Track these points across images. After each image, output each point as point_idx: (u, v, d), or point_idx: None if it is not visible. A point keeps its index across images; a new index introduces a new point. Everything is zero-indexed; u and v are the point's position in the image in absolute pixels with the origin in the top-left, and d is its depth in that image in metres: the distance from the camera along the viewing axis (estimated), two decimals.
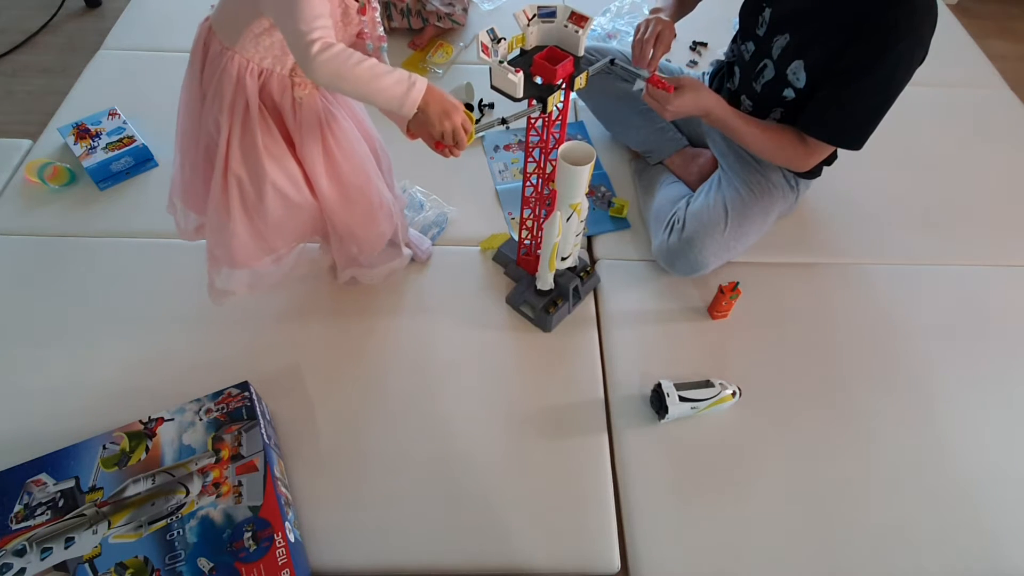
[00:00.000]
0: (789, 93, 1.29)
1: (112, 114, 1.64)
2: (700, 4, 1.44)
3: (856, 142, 1.25)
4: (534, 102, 1.04)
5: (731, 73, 1.45)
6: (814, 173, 1.45)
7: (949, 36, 2.07)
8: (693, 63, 1.97)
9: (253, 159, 1.05)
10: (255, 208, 1.10)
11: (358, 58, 0.88)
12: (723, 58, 1.52)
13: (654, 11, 1.34)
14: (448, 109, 0.94)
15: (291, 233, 1.20)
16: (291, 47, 0.90)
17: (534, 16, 1.05)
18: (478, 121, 1.75)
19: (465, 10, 1.99)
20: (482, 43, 1.00)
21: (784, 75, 1.28)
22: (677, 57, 1.95)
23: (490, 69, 1.01)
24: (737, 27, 1.43)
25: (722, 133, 1.47)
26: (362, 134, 1.17)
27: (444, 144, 0.98)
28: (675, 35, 1.29)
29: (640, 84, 1.20)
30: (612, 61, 1.22)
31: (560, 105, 1.09)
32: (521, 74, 0.98)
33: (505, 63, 0.99)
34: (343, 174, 1.13)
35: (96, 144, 1.57)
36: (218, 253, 1.17)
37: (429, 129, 0.96)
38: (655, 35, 1.26)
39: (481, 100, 1.80)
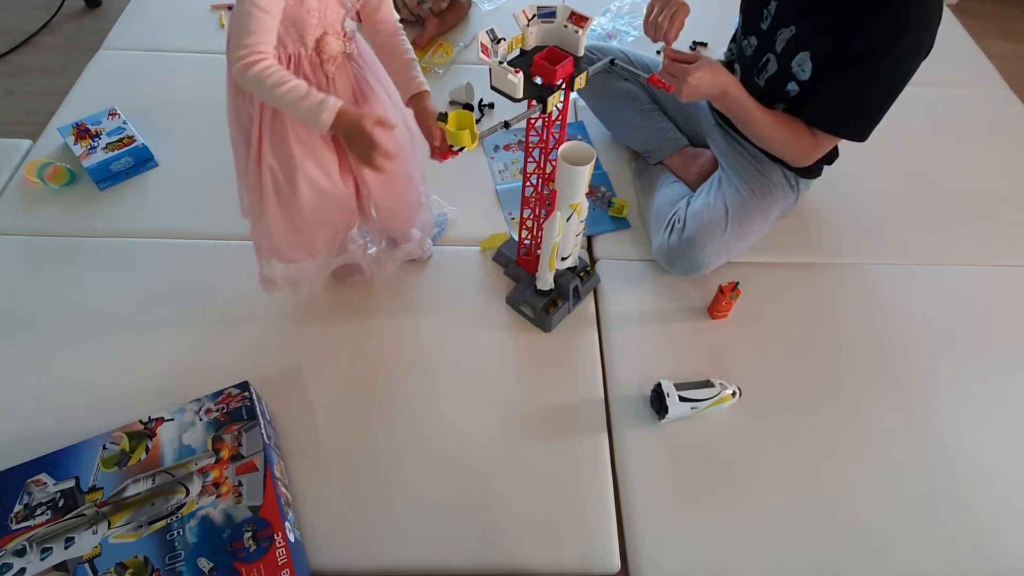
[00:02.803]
0: (793, 87, 1.29)
1: (112, 114, 1.64)
2: (700, 4, 1.42)
3: (861, 132, 1.25)
4: (534, 103, 1.04)
5: (731, 72, 1.45)
6: (814, 173, 1.45)
7: (949, 36, 2.07)
8: None
9: (284, 149, 1.06)
10: (288, 199, 1.11)
11: (276, 80, 0.93)
12: (723, 58, 1.52)
13: None
14: (361, 136, 0.96)
15: (326, 226, 1.20)
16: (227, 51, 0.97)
17: (534, 16, 1.05)
18: (478, 121, 1.77)
19: None
20: (482, 43, 1.00)
21: (788, 68, 1.27)
22: None
23: (490, 69, 1.01)
24: (738, 26, 1.43)
25: (723, 134, 1.48)
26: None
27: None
28: (689, 11, 1.23)
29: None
30: (612, 61, 1.22)
31: (560, 105, 1.09)
32: (521, 74, 0.98)
33: (505, 63, 0.99)
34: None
35: (96, 144, 1.57)
36: (262, 243, 1.20)
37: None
38: (667, 12, 1.21)
39: (481, 100, 1.80)
